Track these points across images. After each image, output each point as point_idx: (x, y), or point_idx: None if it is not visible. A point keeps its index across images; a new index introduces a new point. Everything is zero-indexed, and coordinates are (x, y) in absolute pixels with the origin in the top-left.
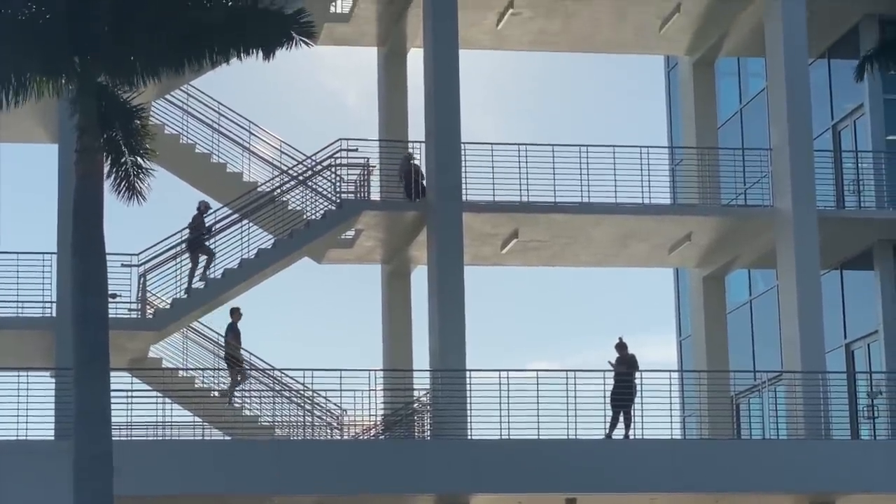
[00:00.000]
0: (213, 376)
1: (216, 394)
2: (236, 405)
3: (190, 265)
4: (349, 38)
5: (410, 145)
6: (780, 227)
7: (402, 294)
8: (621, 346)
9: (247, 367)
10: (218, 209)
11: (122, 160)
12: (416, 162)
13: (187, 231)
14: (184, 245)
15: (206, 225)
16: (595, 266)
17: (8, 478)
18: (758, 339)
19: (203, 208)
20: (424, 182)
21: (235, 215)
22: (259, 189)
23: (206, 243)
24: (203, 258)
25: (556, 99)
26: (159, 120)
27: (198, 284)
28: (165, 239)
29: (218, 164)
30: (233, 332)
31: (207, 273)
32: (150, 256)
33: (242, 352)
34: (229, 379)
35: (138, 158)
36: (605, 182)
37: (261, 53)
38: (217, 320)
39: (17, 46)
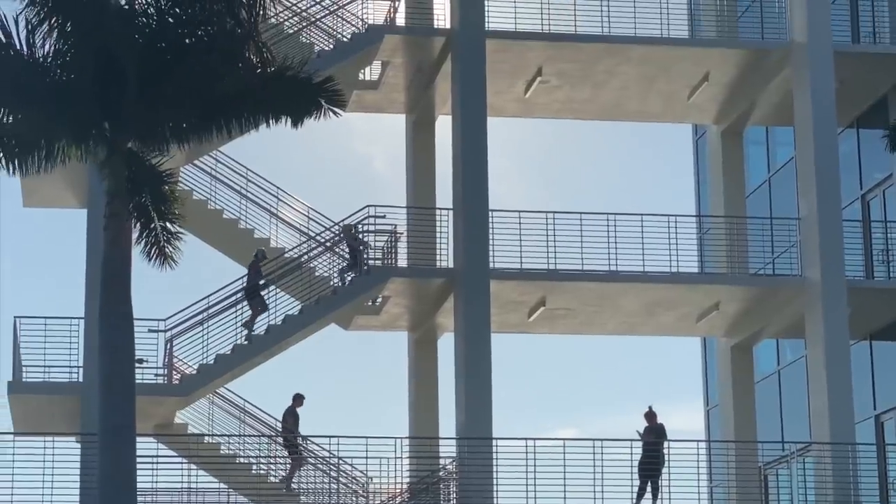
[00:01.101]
0: (239, 443)
1: (274, 479)
2: (293, 489)
3: (250, 313)
4: (378, 105)
5: (437, 212)
6: (809, 297)
7: (429, 361)
8: (650, 415)
9: (305, 453)
10: (244, 275)
11: (152, 225)
12: (358, 234)
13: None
14: (241, 293)
15: (263, 274)
16: (622, 334)
17: None
18: (786, 409)
19: (261, 256)
20: (366, 253)
21: (262, 281)
22: (286, 255)
23: (262, 293)
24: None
25: (584, 167)
26: (187, 186)
27: (257, 332)
28: (192, 305)
29: (246, 229)
30: (292, 417)
31: (253, 326)
32: (176, 322)
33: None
34: (288, 463)
35: (168, 224)
36: (632, 250)
37: (289, 121)
38: (243, 387)
39: (46, 112)
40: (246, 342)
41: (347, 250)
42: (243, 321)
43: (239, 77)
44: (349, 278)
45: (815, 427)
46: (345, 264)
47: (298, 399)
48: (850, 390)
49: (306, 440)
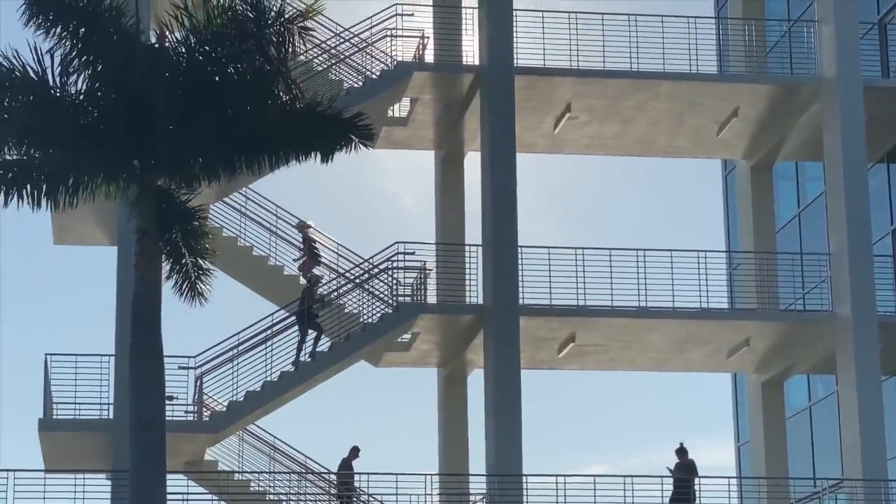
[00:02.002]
0: (269, 479)
1: None
2: None
3: (298, 338)
4: (407, 142)
5: (467, 248)
6: (840, 333)
7: (459, 397)
8: (681, 452)
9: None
10: (274, 312)
11: (183, 261)
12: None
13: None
14: (295, 317)
15: (317, 297)
16: (652, 370)
17: None
18: (818, 445)
19: (314, 281)
20: (318, 250)
21: (292, 318)
22: (292, 308)
23: (317, 317)
24: (312, 333)
25: (613, 202)
26: (217, 223)
27: (304, 359)
28: (222, 342)
29: (275, 266)
30: (347, 469)
31: (316, 349)
32: (206, 359)
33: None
34: None
35: (198, 260)
36: (662, 286)
37: (319, 156)
38: (273, 423)
39: (78, 149)
40: (293, 368)
41: (303, 247)
42: (307, 347)
43: (269, 113)
44: (311, 275)
45: (846, 463)
46: (302, 260)
47: (355, 451)
48: (881, 426)
49: (338, 477)
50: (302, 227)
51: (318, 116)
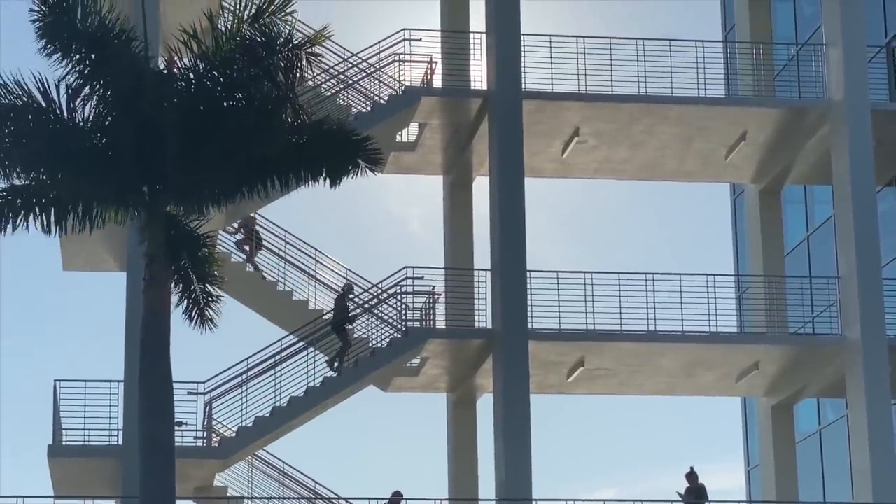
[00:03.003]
0: None
1: None
2: None
3: (339, 345)
4: (415, 167)
5: (475, 273)
6: (850, 356)
7: (468, 422)
8: (691, 476)
9: None
10: (283, 337)
11: (192, 288)
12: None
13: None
14: (328, 328)
15: (349, 309)
16: (662, 394)
17: None
18: (828, 469)
19: (347, 290)
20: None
21: (301, 343)
22: (325, 317)
23: (347, 328)
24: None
25: (621, 226)
26: (226, 249)
27: (336, 368)
28: (231, 367)
29: (284, 291)
30: None
31: (342, 363)
32: (216, 385)
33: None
34: None
35: (207, 286)
36: (671, 310)
37: (327, 180)
38: (282, 449)
39: (86, 175)
40: (320, 385)
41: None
42: (328, 359)
43: (277, 138)
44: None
45: (857, 487)
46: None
47: (397, 498)
48: (892, 450)
49: (348, 502)
50: (246, 221)
51: (325, 137)
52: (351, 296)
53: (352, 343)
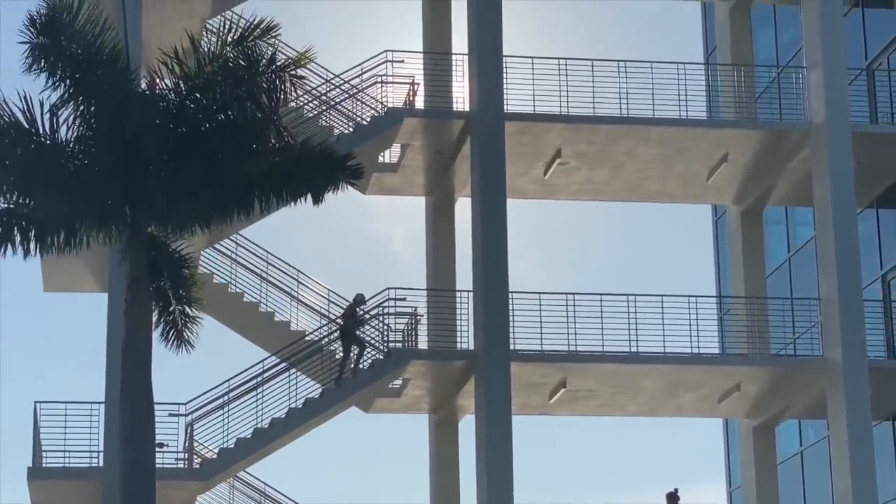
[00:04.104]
0: None
1: None
2: None
3: (341, 355)
4: (397, 188)
5: (458, 294)
6: (831, 378)
7: (450, 443)
8: (673, 497)
9: None
10: (265, 359)
11: (171, 309)
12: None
13: (341, 321)
14: (337, 334)
15: (359, 317)
16: (644, 416)
17: None
18: (809, 490)
19: (359, 300)
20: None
21: (283, 364)
22: (307, 338)
23: (358, 333)
24: (355, 350)
25: (603, 248)
26: (208, 269)
27: (347, 376)
28: (213, 388)
29: (266, 312)
30: None
31: (360, 365)
32: (197, 406)
33: None
34: None
35: (186, 307)
36: (653, 331)
37: (310, 198)
38: (263, 470)
39: (68, 196)
40: (334, 385)
41: None
42: (350, 369)
43: (260, 159)
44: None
45: None
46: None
47: None
48: (873, 471)
49: None
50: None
51: (307, 156)
52: (363, 307)
53: (366, 345)
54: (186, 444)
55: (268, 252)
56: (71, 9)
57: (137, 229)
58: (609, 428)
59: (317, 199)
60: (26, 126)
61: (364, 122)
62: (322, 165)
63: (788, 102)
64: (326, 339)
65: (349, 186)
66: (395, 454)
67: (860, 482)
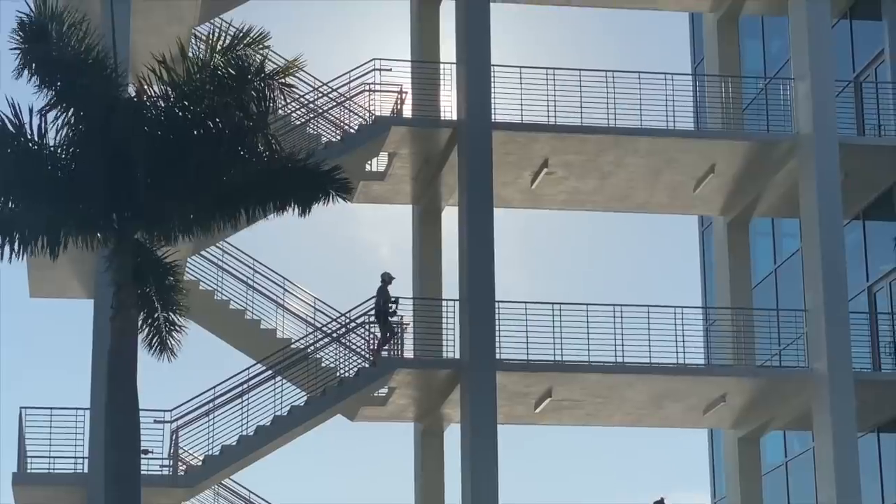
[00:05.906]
0: None
1: None
2: None
3: (380, 336)
4: (385, 196)
5: (444, 303)
6: (816, 389)
7: (436, 452)
8: None
9: None
10: (251, 366)
11: (155, 315)
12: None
13: (374, 304)
14: (373, 317)
15: (392, 297)
16: (629, 426)
17: None
18: (794, 501)
19: (387, 279)
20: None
21: (269, 372)
22: (293, 346)
23: (391, 318)
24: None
25: (590, 258)
26: (194, 276)
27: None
28: (198, 395)
29: (252, 320)
30: None
31: (392, 349)
32: (182, 413)
33: None
34: None
35: (171, 314)
36: (639, 342)
37: (297, 209)
38: (248, 478)
39: (55, 202)
40: (370, 365)
41: None
42: (371, 348)
43: (247, 168)
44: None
45: None
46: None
47: None
48: (858, 483)
49: None
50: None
51: (295, 170)
52: (390, 286)
53: (395, 332)
54: (172, 451)
55: (254, 259)
56: (59, 16)
57: (124, 236)
58: (595, 438)
59: (304, 211)
60: (13, 131)
61: (352, 131)
62: (310, 179)
63: (776, 113)
64: (313, 347)
65: (336, 198)
66: (381, 463)
67: (845, 494)
